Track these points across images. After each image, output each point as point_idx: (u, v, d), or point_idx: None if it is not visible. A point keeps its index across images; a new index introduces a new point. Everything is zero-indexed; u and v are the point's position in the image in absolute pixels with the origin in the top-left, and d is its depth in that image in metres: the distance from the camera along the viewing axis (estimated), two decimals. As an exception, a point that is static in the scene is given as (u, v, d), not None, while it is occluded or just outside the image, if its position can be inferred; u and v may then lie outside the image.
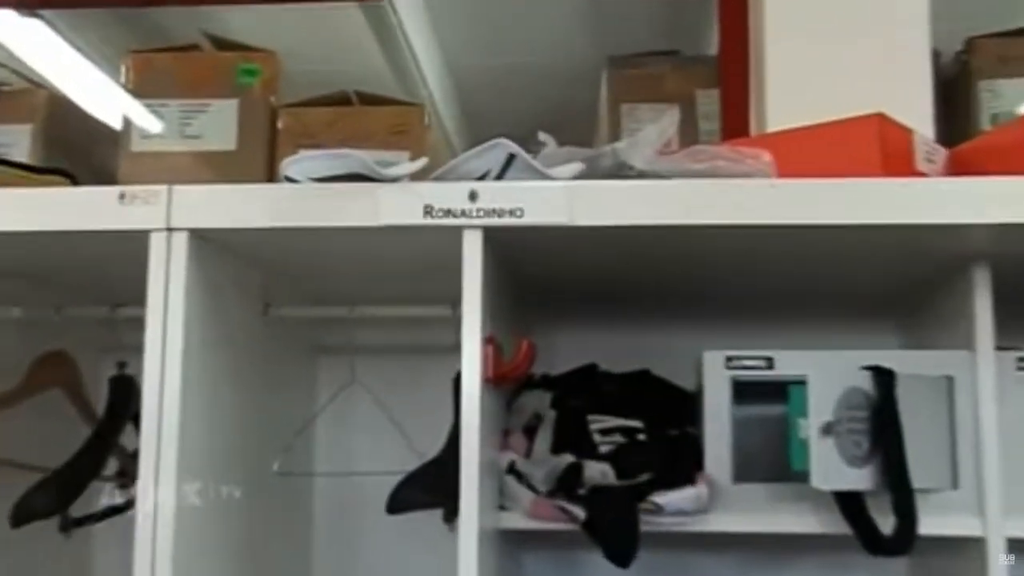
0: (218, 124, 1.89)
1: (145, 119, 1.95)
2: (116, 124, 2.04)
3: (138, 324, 1.36)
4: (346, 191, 1.32)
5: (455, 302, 1.32)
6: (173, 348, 1.34)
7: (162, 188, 1.37)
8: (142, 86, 1.95)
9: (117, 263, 1.46)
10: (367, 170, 1.31)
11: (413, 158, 1.65)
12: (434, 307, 1.49)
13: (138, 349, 1.37)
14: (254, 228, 1.34)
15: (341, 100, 1.93)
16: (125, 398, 1.57)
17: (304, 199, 1.33)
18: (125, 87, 1.98)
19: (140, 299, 1.37)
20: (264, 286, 1.56)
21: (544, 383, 1.55)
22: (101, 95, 2.21)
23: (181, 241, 1.35)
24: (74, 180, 1.52)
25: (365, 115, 1.91)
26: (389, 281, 1.53)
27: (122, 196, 1.37)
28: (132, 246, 1.37)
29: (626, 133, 1.94)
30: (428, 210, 1.29)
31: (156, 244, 1.36)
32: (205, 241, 1.38)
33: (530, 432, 1.46)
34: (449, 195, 1.30)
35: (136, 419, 1.54)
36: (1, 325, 1.58)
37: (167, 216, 1.35)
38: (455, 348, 1.30)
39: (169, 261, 1.35)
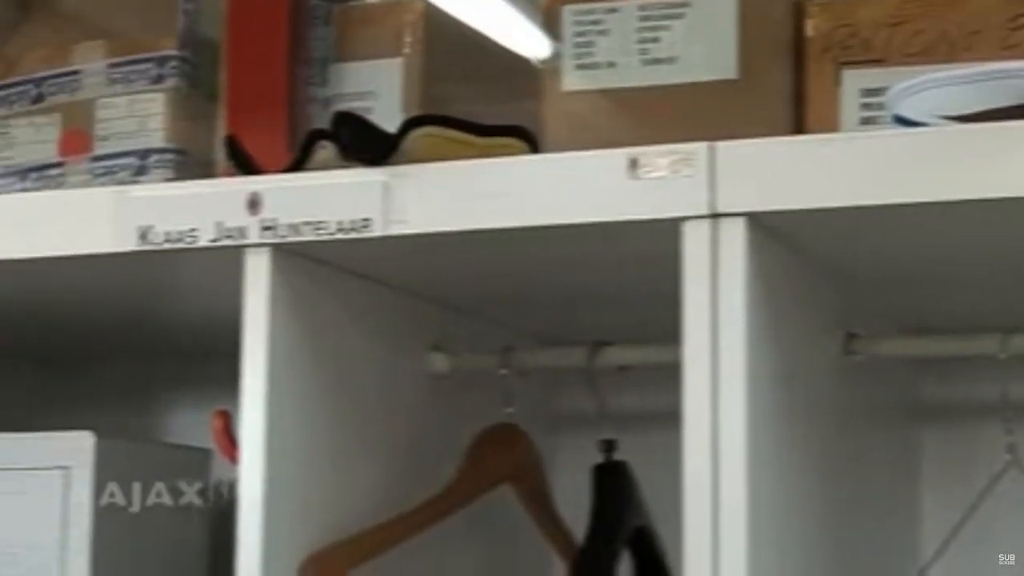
0: (704, 38, 1.41)
1: (577, 37, 1.44)
2: (522, 47, 1.62)
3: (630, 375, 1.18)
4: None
5: None
6: (731, 412, 0.95)
7: (697, 148, 0.99)
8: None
9: (609, 272, 1.13)
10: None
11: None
12: None
13: (627, 417, 1.20)
14: (849, 208, 0.95)
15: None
16: (618, 501, 1.17)
17: (941, 153, 0.93)
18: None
19: (633, 332, 1.14)
20: (846, 307, 1.17)
21: None
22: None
23: (735, 233, 0.96)
24: (532, 142, 1.13)
25: (958, 3, 1.41)
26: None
27: (633, 164, 0.99)
28: (645, 243, 1.01)
29: None
30: None
31: (693, 240, 0.97)
32: (768, 234, 1.00)
33: None
34: None
35: (638, 538, 1.17)
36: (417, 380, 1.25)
37: (710, 193, 0.97)
38: None
39: (716, 268, 0.96)
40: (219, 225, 1.05)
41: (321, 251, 1.06)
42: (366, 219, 1.02)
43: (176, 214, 1.06)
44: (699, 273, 0.96)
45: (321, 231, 1.03)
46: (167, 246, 1.06)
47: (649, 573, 1.19)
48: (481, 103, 1.54)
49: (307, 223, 1.03)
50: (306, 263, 1.07)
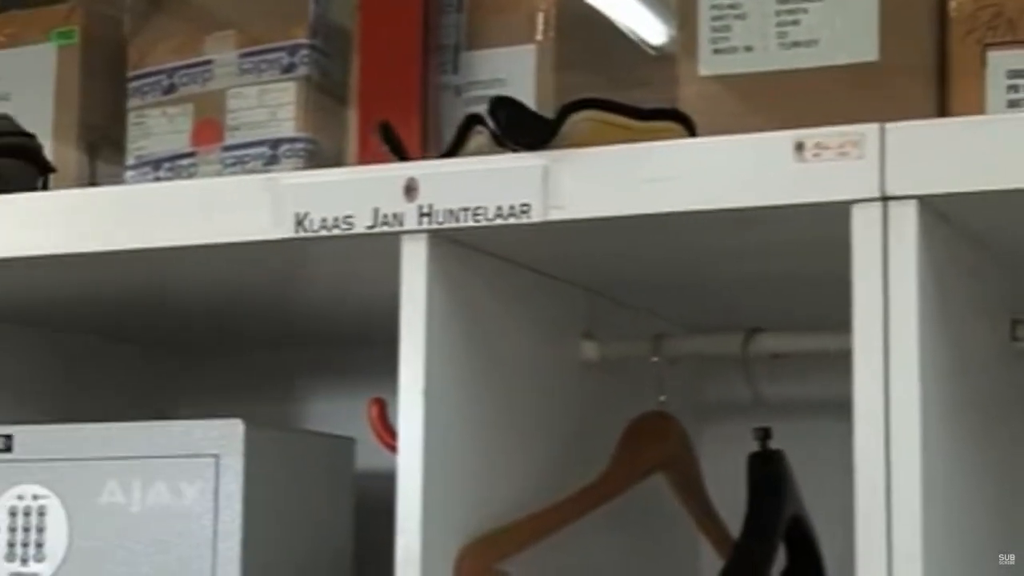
0: (844, 20, 1.38)
1: (713, 21, 1.39)
2: (643, 32, 1.60)
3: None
4: None
5: None
6: (904, 401, 0.92)
7: (867, 129, 0.96)
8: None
9: (766, 257, 1.12)
10: None
11: None
12: None
13: (774, 406, 1.19)
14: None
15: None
16: (775, 492, 1.15)
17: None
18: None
19: (776, 319, 1.13)
20: (1012, 292, 1.14)
21: None
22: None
23: (906, 217, 0.93)
24: (689, 126, 1.11)
25: None
26: None
27: (799, 146, 0.97)
28: (810, 228, 1.00)
29: None
30: None
31: (862, 224, 0.94)
32: (938, 217, 0.97)
33: None
34: None
35: (792, 525, 1.15)
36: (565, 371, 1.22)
37: (880, 176, 0.94)
38: None
39: (887, 252, 0.93)
40: (376, 211, 1.04)
41: (477, 237, 1.05)
42: (525, 204, 1.01)
43: (332, 200, 1.05)
44: (869, 258, 0.94)
45: (479, 216, 1.02)
46: (323, 233, 1.05)
47: (802, 561, 1.18)
48: (611, 90, 1.51)
49: (465, 208, 1.02)
50: (461, 249, 1.06)
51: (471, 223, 1.02)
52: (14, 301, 1.30)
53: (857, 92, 1.37)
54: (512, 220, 1.01)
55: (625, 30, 1.67)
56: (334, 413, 1.51)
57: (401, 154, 1.10)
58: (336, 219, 1.05)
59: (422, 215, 1.03)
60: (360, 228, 1.04)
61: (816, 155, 0.96)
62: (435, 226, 1.03)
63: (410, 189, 1.03)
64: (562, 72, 1.53)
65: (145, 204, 1.11)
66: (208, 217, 1.08)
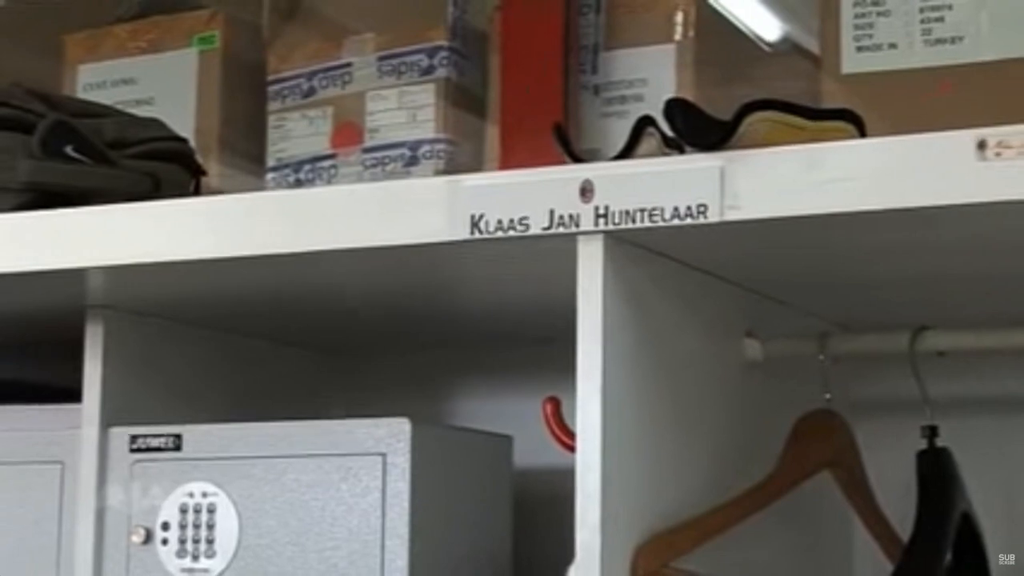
0: (991, 16, 1.37)
1: (857, 19, 1.40)
2: (762, 28, 1.61)
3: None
4: None
5: None
6: None
7: None
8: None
9: (935, 256, 1.11)
10: None
11: None
12: None
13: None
14: None
15: None
16: (946, 489, 1.14)
17: None
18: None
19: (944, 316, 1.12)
20: None
21: None
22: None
23: None
24: (860, 125, 1.11)
25: None
26: None
27: (981, 145, 0.96)
28: (991, 226, 1.01)
29: None
30: None
31: None
32: None
33: None
34: None
35: (962, 527, 1.15)
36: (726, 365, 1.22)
37: None
38: None
39: None
40: (552, 213, 1.05)
41: (653, 238, 1.05)
42: (702, 205, 1.01)
43: (508, 202, 1.06)
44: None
45: (656, 217, 1.02)
46: (499, 234, 1.06)
47: (969, 557, 1.17)
48: (746, 87, 1.51)
49: (642, 209, 1.03)
50: (636, 250, 1.07)
51: (647, 224, 1.02)
52: (187, 302, 1.32)
53: (1005, 90, 1.35)
54: (689, 221, 1.01)
55: (743, 27, 1.66)
56: (479, 411, 1.53)
57: (574, 156, 1.11)
58: (512, 220, 1.06)
59: (598, 216, 1.04)
60: (536, 229, 1.05)
61: (998, 154, 0.96)
62: (611, 227, 1.03)
63: (585, 191, 1.04)
64: (703, 71, 1.53)
65: (321, 207, 1.12)
66: (384, 219, 1.09)
